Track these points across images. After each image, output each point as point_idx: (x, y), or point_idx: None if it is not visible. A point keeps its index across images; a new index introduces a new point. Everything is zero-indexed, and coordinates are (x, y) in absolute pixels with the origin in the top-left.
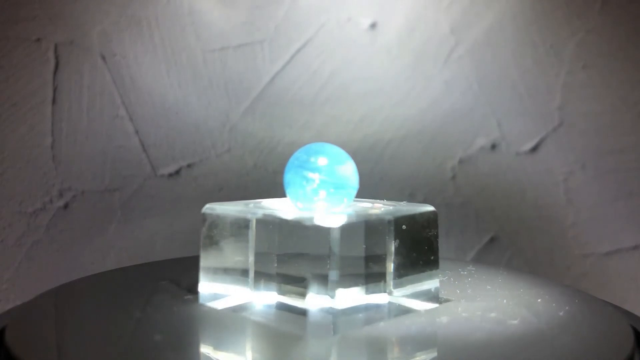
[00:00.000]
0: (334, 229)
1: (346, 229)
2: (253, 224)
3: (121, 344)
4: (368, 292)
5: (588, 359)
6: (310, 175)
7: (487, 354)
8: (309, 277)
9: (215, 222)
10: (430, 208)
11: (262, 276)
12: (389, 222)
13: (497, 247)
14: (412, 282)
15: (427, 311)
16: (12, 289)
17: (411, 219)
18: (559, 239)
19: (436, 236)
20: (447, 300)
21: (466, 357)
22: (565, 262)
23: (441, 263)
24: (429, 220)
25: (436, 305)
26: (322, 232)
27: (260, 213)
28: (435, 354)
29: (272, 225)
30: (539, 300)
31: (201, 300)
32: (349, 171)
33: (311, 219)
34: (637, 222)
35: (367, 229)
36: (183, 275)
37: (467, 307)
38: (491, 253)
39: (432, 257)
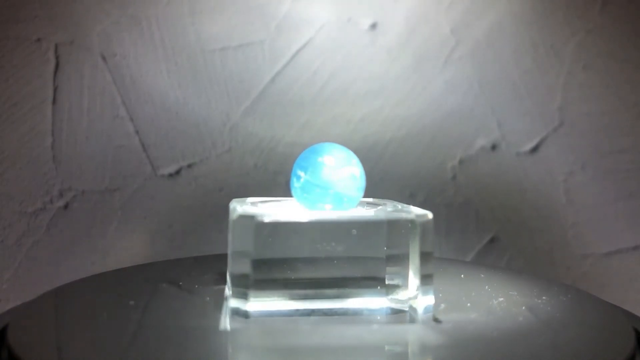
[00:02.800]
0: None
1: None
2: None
3: (121, 344)
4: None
5: (589, 359)
6: (299, 172)
7: (487, 355)
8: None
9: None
10: (425, 213)
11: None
12: (378, 224)
13: (497, 247)
14: (401, 286)
15: (423, 311)
16: (12, 289)
17: (404, 223)
18: (559, 239)
19: (431, 239)
20: (445, 301)
21: (467, 357)
22: (565, 262)
23: (440, 263)
24: (424, 225)
25: (433, 304)
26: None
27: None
28: (435, 355)
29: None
30: (539, 300)
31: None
32: (341, 175)
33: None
34: (637, 222)
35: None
36: (183, 276)
37: (466, 307)
38: (491, 253)
39: (426, 260)
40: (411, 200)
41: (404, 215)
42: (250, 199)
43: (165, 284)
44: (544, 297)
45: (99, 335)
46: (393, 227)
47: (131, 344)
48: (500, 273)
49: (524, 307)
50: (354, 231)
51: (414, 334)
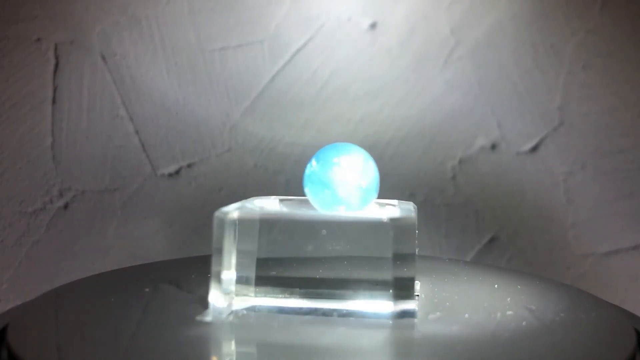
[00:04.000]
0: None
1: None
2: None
3: (121, 344)
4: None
5: (589, 359)
6: (313, 161)
7: (487, 355)
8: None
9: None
10: (400, 217)
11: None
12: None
13: (497, 247)
14: (387, 285)
15: (397, 316)
16: (12, 289)
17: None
18: (559, 239)
19: (409, 242)
20: (446, 301)
21: (467, 357)
22: (565, 262)
23: (440, 263)
24: (397, 228)
25: (432, 305)
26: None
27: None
28: (435, 355)
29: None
30: (539, 300)
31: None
32: (345, 179)
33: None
34: (637, 222)
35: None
36: (183, 276)
37: (466, 308)
38: (491, 253)
39: (410, 256)
40: (411, 200)
41: (376, 217)
42: (273, 197)
43: (165, 284)
44: (543, 297)
45: (99, 335)
46: (370, 229)
47: (131, 344)
48: (499, 272)
49: (523, 308)
50: (324, 231)
51: (361, 339)
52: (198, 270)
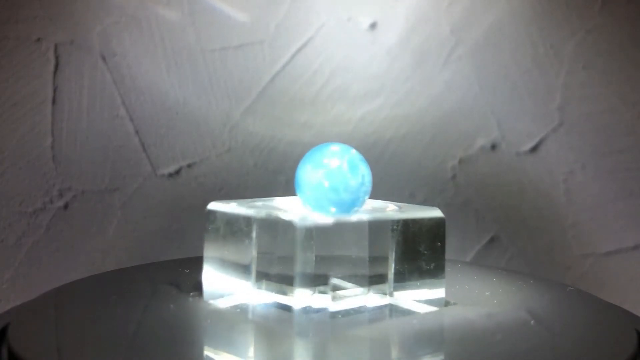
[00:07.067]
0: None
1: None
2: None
3: (121, 344)
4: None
5: (589, 359)
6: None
7: (488, 356)
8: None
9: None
10: (439, 214)
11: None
12: (394, 224)
13: (497, 247)
14: (414, 286)
15: (427, 313)
16: (12, 289)
17: (418, 222)
18: (559, 239)
19: (443, 241)
20: (446, 302)
21: (467, 358)
22: (565, 262)
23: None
24: (437, 225)
25: (436, 307)
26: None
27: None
28: (436, 356)
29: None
30: (540, 300)
31: (204, 298)
32: (315, 181)
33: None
34: (637, 222)
35: (369, 231)
36: (183, 276)
37: (467, 309)
38: (491, 253)
39: (438, 262)
40: (411, 200)
41: (287, 219)
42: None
43: (165, 284)
44: (543, 298)
45: (99, 335)
46: (282, 230)
47: (131, 344)
48: (499, 273)
49: (523, 309)
50: (254, 232)
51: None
52: (198, 271)
